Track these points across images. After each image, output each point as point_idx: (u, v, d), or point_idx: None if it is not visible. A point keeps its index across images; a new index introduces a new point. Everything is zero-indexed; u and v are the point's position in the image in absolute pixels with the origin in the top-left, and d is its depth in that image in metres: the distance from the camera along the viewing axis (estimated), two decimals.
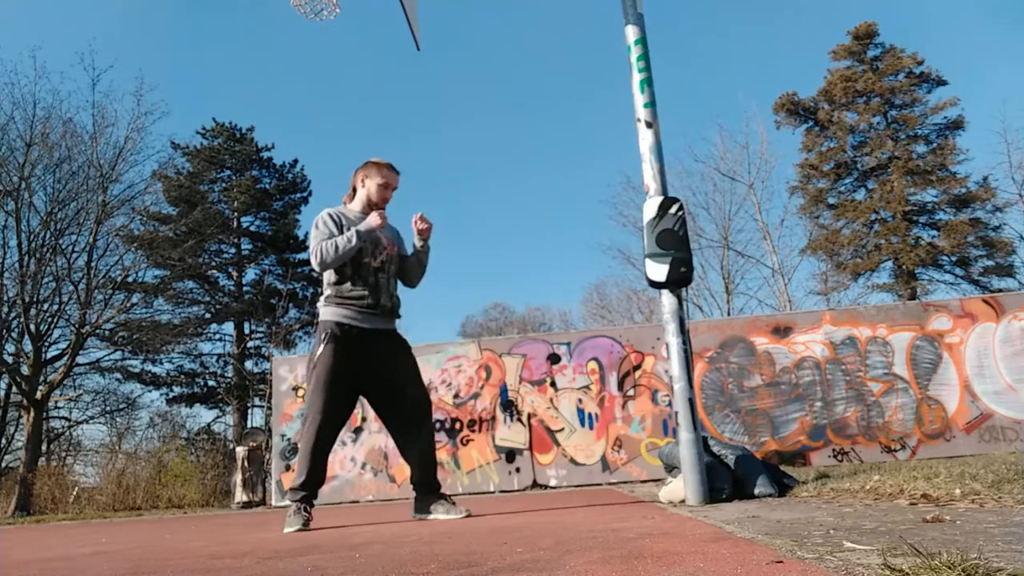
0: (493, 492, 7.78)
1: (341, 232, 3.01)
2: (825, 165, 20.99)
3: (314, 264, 2.98)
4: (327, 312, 3.04)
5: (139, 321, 17.47)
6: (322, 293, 3.13)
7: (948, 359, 7.84)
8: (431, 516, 3.00)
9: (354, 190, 3.22)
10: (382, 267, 3.11)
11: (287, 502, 3.01)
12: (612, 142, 43.36)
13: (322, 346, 2.95)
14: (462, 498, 7.01)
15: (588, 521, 2.31)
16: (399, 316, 3.21)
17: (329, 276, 3.06)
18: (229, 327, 20.84)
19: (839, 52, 21.52)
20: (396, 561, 1.52)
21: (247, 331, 20.54)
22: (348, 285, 3.02)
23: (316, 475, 3.00)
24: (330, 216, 3.07)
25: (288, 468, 8.20)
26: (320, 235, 3.00)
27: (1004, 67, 31.07)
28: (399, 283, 3.25)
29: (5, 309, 14.80)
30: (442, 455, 8.01)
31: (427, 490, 3.07)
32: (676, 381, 2.95)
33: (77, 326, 15.08)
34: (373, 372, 3.05)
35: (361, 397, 3.18)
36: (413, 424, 3.07)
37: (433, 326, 46.21)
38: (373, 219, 3.02)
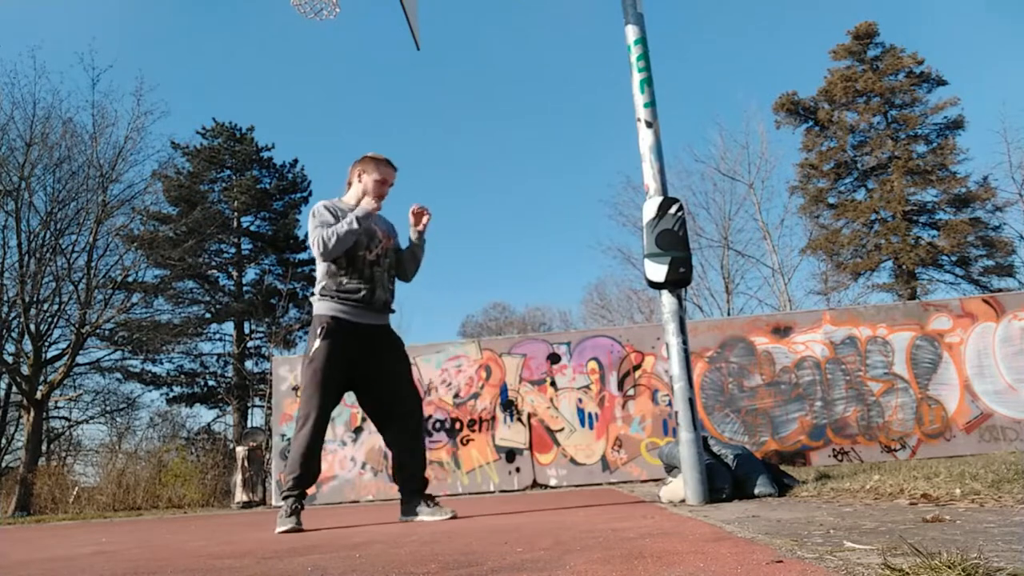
0: (493, 492, 7.78)
1: (338, 223, 2.99)
2: (825, 165, 20.99)
3: (316, 253, 2.95)
4: (322, 306, 2.98)
5: (139, 321, 17.47)
6: (316, 287, 3.07)
7: (948, 359, 7.84)
8: (416, 518, 2.95)
9: (349, 184, 3.19)
10: (377, 260, 3.06)
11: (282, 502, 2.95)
12: (612, 142, 43.38)
13: (318, 341, 2.89)
14: (462, 498, 7.01)
15: (588, 521, 2.31)
16: (393, 311, 3.18)
17: (323, 268, 3.01)
18: (229, 327, 20.86)
19: (839, 52, 21.52)
20: (396, 561, 1.51)
21: (247, 331, 20.55)
22: (344, 279, 2.98)
23: (313, 474, 2.95)
24: (325, 207, 3.03)
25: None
26: (317, 224, 2.96)
27: (1004, 67, 31.05)
28: (395, 277, 3.23)
29: (5, 309, 14.80)
30: (442, 455, 8.02)
31: (412, 491, 3.02)
32: (676, 381, 2.95)
33: (77, 326, 15.07)
34: (365, 369, 3.01)
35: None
36: (401, 423, 3.03)
37: (433, 326, 46.13)
38: (367, 203, 2.99)
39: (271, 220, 22.18)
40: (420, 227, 3.15)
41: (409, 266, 3.22)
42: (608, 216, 36.04)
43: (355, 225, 2.92)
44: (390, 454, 3.11)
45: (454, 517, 2.91)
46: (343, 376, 2.99)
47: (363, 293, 2.99)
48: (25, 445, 14.15)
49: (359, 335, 2.98)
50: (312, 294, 3.07)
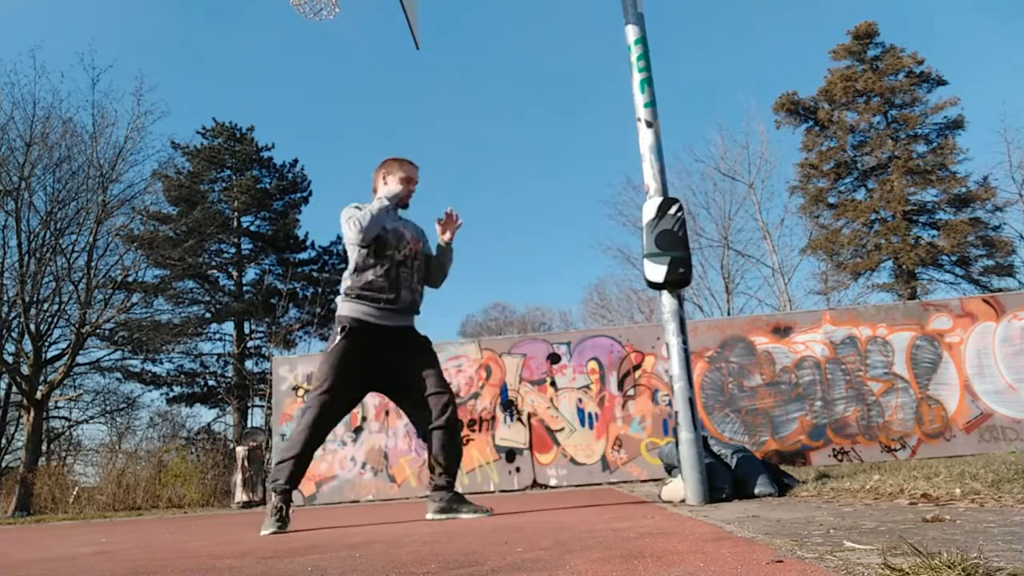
0: (493, 492, 7.78)
1: None
2: (825, 165, 20.99)
3: (352, 234, 2.93)
4: (345, 307, 2.98)
5: (139, 321, 17.47)
6: (340, 287, 3.08)
7: (948, 359, 7.83)
8: (455, 516, 2.91)
9: (375, 191, 3.22)
10: (404, 261, 3.06)
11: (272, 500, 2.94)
12: (612, 141, 43.38)
13: (338, 338, 2.90)
14: None
15: (588, 521, 2.31)
16: (418, 313, 3.18)
17: (351, 268, 3.03)
18: (229, 327, 20.86)
19: (839, 52, 21.52)
20: (396, 561, 1.51)
21: (247, 331, 20.55)
22: (369, 278, 2.98)
23: (302, 472, 2.94)
24: (355, 206, 3.08)
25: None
26: (350, 214, 2.99)
27: (1004, 67, 31.06)
28: (422, 281, 3.22)
29: (5, 309, 14.79)
30: None
31: (447, 488, 2.98)
32: (676, 381, 2.95)
33: (77, 326, 15.07)
34: (388, 371, 3.01)
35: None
36: (436, 420, 3.00)
37: (433, 326, 46.02)
38: (394, 186, 3.06)
39: (271, 220, 22.18)
40: (449, 234, 3.17)
41: (436, 274, 3.25)
42: (608, 216, 36.06)
43: (385, 202, 2.99)
44: (426, 451, 3.06)
45: (491, 514, 2.91)
46: (360, 378, 2.99)
47: (387, 294, 2.99)
48: (25, 445, 14.15)
49: (383, 337, 2.98)
50: (337, 293, 3.08)
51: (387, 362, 3.00)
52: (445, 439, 2.99)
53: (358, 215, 2.94)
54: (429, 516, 2.98)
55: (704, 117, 44.30)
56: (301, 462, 2.90)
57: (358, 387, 3.05)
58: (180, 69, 33.70)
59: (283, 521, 2.84)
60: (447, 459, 3.00)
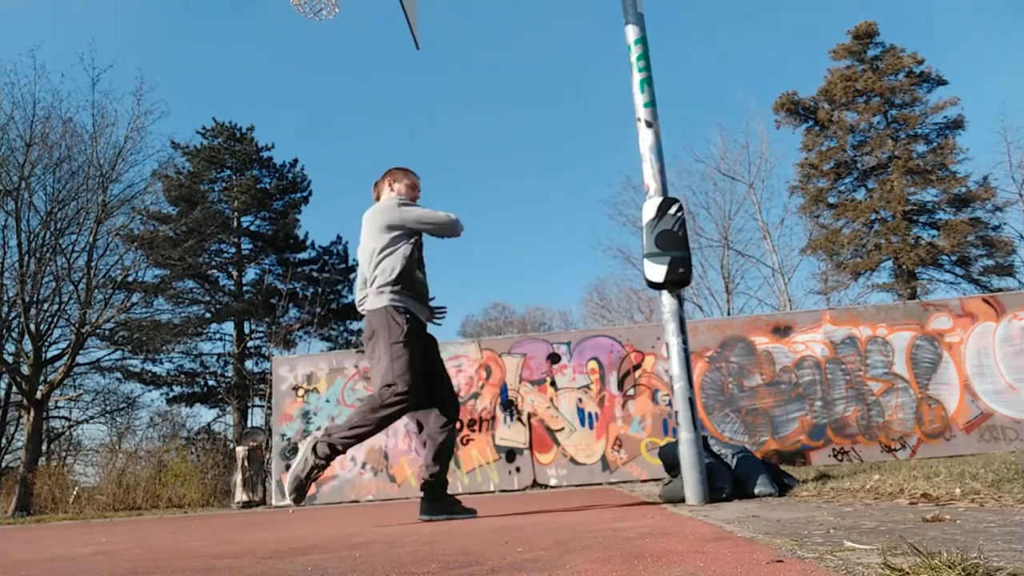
0: (493, 492, 7.78)
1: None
2: (825, 165, 20.98)
3: (447, 223, 3.07)
4: (400, 300, 2.97)
5: (139, 321, 17.46)
6: (378, 284, 3.02)
7: (948, 358, 7.84)
8: (447, 516, 2.96)
9: (378, 197, 3.30)
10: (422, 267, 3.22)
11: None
12: (612, 141, 43.37)
13: (405, 327, 2.91)
14: (462, 498, 7.01)
15: (588, 521, 2.31)
16: None
17: (396, 266, 3.00)
18: (229, 327, 20.85)
19: (839, 52, 21.52)
20: (396, 561, 1.52)
21: (247, 331, 20.54)
22: (420, 279, 3.10)
23: (346, 450, 2.99)
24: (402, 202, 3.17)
25: (288, 468, 8.20)
26: (429, 210, 3.10)
27: (1004, 67, 31.07)
28: None
29: (5, 309, 14.79)
30: None
31: (441, 488, 3.03)
32: (676, 381, 2.95)
33: (77, 326, 15.07)
34: (426, 366, 3.08)
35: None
36: (444, 421, 3.05)
37: (433, 326, 46.09)
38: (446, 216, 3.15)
39: (271, 220, 22.18)
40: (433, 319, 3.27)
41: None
42: (608, 216, 36.08)
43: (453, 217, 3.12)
44: (424, 449, 3.07)
45: (475, 515, 2.97)
46: None
47: (429, 295, 3.14)
48: (25, 445, 14.15)
49: (422, 332, 3.09)
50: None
51: (425, 357, 3.07)
52: (448, 441, 3.05)
53: (453, 214, 3.10)
54: (422, 516, 3.01)
55: (704, 117, 44.31)
56: (357, 442, 2.91)
57: None
58: (180, 69, 33.72)
59: (301, 492, 2.82)
60: (446, 460, 3.04)
